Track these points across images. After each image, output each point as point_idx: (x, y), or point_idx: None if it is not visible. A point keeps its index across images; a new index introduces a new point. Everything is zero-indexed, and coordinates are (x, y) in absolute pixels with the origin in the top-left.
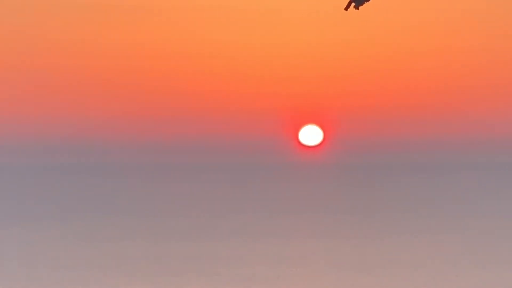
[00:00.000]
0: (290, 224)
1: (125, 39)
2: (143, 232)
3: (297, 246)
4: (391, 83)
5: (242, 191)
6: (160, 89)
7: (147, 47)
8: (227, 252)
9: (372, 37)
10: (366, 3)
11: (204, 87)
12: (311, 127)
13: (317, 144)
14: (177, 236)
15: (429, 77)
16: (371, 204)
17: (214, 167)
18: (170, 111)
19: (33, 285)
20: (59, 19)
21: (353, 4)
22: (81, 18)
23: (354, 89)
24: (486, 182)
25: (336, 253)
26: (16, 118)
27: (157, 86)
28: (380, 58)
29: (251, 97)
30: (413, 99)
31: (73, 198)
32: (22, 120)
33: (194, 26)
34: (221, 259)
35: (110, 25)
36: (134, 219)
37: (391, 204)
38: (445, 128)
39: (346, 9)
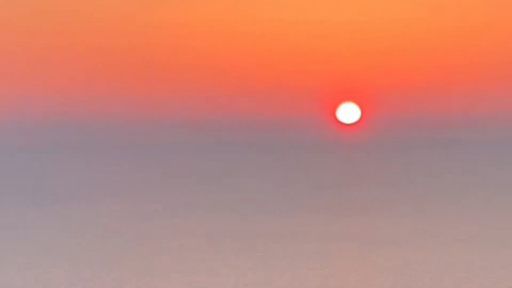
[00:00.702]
0: (329, 201)
1: (163, 17)
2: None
3: (339, 222)
4: (430, 60)
5: (281, 170)
6: (198, 67)
7: (184, 25)
8: (270, 229)
9: (410, 15)
10: None
11: (242, 65)
12: (348, 104)
13: (355, 122)
14: (228, 211)
15: (467, 54)
16: (409, 181)
17: (253, 145)
18: (208, 89)
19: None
20: None
21: None
22: None
23: (392, 66)
24: None
25: (374, 228)
26: (55, 95)
27: (195, 64)
28: (418, 36)
29: (289, 75)
30: (451, 76)
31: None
32: (61, 98)
33: (231, 4)
34: (264, 236)
35: (144, 3)
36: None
37: (429, 180)
38: (483, 104)
39: None
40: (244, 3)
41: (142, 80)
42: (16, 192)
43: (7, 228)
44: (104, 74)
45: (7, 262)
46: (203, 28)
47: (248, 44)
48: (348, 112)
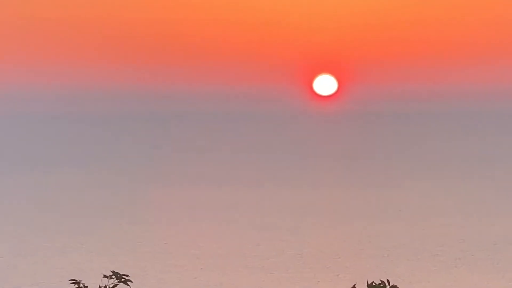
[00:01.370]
0: (304, 172)
1: None
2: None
3: (312, 194)
4: (406, 33)
5: (257, 141)
6: (175, 39)
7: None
8: (243, 200)
9: None
10: None
11: (218, 37)
12: (325, 76)
13: (332, 94)
14: (207, 182)
15: (444, 27)
16: (382, 152)
17: (228, 115)
18: (186, 61)
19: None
20: None
21: None
22: None
23: (369, 39)
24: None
25: (347, 200)
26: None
27: (172, 35)
28: (395, 8)
29: (265, 46)
30: (427, 49)
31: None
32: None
33: None
34: (236, 206)
35: None
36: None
37: (402, 151)
38: (459, 77)
39: None
40: None
41: (116, 52)
42: None
43: None
44: (60, 46)
45: None
46: (180, 0)
47: (225, 16)
48: (325, 84)
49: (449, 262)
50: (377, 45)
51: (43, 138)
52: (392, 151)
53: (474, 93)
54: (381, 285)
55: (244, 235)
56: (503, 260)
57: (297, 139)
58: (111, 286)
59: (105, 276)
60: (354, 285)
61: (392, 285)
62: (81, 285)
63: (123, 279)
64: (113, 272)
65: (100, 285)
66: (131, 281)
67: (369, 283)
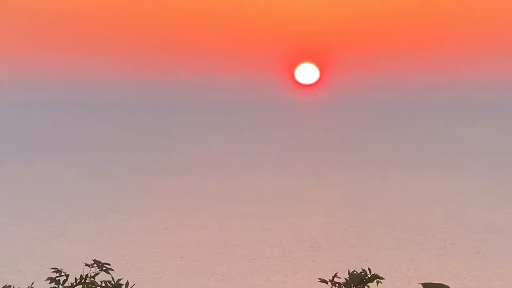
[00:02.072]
0: (286, 161)
1: None
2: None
3: (294, 182)
4: (388, 22)
5: (238, 130)
6: (155, 30)
7: None
8: (225, 188)
9: None
10: None
11: (200, 27)
12: (307, 65)
13: (313, 83)
14: (192, 172)
15: (427, 18)
16: (364, 141)
17: (209, 105)
18: (166, 51)
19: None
20: None
21: None
22: None
23: (351, 29)
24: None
25: (329, 189)
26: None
27: (152, 27)
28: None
29: (247, 35)
30: (409, 39)
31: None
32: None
33: None
34: (218, 194)
35: None
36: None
37: (384, 140)
38: (441, 66)
39: None
40: None
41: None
42: None
43: None
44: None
45: None
46: None
47: (205, 7)
48: (307, 73)
49: (430, 251)
50: (358, 34)
51: (25, 127)
52: (374, 140)
53: (457, 82)
54: (363, 273)
55: (226, 224)
56: (483, 249)
57: (278, 128)
58: (92, 274)
59: (86, 264)
60: (336, 273)
61: (374, 274)
62: (62, 274)
63: (104, 268)
64: (94, 260)
65: (82, 274)
66: (112, 270)
67: (350, 271)
